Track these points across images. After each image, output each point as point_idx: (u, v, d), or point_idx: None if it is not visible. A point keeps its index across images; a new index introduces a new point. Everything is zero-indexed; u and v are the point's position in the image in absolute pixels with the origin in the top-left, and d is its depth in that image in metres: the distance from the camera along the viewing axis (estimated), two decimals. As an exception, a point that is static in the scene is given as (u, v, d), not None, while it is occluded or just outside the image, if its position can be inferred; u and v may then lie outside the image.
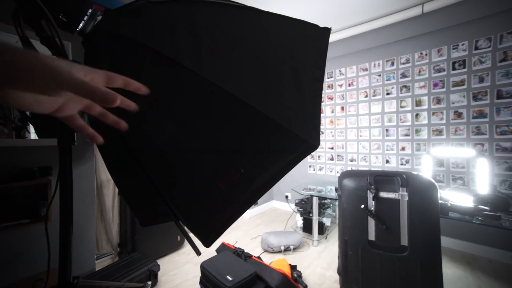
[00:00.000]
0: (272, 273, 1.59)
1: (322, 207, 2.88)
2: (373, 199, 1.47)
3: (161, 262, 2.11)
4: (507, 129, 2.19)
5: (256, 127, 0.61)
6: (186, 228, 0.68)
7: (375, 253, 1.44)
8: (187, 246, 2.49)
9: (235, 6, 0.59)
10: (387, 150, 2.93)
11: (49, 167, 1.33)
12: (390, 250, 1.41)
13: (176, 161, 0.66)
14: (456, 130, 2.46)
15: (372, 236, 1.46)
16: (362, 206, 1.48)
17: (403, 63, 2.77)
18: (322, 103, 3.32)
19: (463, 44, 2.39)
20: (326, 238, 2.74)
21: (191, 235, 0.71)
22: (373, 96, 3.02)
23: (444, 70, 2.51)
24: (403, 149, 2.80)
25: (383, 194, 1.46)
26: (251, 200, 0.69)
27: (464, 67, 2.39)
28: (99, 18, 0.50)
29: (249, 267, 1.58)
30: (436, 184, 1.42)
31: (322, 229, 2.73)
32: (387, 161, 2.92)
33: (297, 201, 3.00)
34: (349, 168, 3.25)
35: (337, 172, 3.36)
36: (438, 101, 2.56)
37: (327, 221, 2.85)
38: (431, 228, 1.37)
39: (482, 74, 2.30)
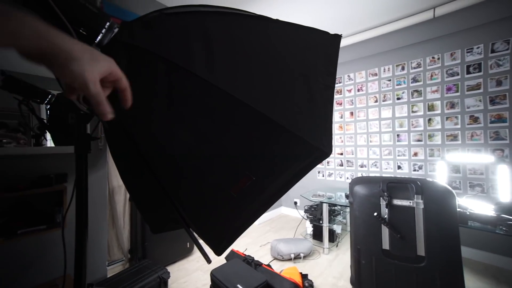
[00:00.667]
0: (283, 282, 1.56)
1: (332, 214, 2.82)
2: (386, 207, 1.42)
3: (171, 269, 2.11)
4: (529, 134, 2.09)
5: (267, 135, 0.61)
6: (196, 235, 0.68)
7: (390, 263, 1.39)
8: (196, 253, 2.48)
9: (246, 16, 0.60)
10: (398, 155, 2.85)
11: (65, 174, 1.37)
12: (406, 260, 1.35)
13: (188, 168, 0.66)
14: (472, 135, 2.37)
15: (386, 245, 1.41)
16: (375, 214, 1.43)
17: (414, 68, 2.72)
18: (331, 109, 3.30)
19: (478, 47, 2.33)
20: (337, 246, 2.67)
21: (201, 241, 0.70)
22: (383, 101, 2.97)
23: (458, 74, 2.45)
24: (415, 154, 2.72)
25: (397, 202, 1.41)
26: (262, 208, 0.68)
27: (480, 71, 2.32)
28: (116, 30, 0.52)
29: (260, 275, 1.55)
30: (453, 191, 1.36)
31: (332, 236, 2.66)
32: (399, 167, 2.84)
33: (306, 208, 2.95)
34: (359, 174, 3.18)
35: (347, 178, 3.29)
36: (452, 105, 2.48)
37: (337, 229, 2.78)
38: (450, 238, 1.30)
39: (500, 78, 2.22)
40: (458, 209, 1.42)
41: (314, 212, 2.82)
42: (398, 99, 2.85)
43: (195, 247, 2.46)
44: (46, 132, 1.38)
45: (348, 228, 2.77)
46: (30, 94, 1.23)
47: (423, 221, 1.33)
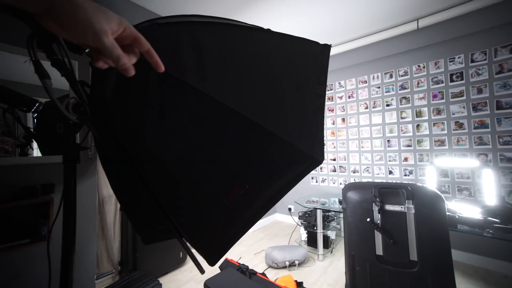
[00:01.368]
0: (277, 291, 1.53)
1: (326, 219, 2.82)
2: (379, 212, 1.44)
3: (163, 280, 2.05)
4: (511, 139, 2.18)
5: (260, 143, 0.61)
6: (189, 245, 0.66)
7: (384, 269, 1.39)
8: (189, 263, 2.42)
9: (239, 26, 0.61)
10: (389, 161, 2.91)
11: (51, 185, 1.32)
12: (399, 265, 1.36)
13: (180, 177, 0.65)
14: (458, 140, 2.45)
15: (380, 250, 1.42)
16: (368, 219, 1.44)
17: (402, 75, 2.82)
18: (323, 115, 3.36)
19: (459, 57, 2.44)
20: (331, 252, 2.66)
21: (194, 251, 0.69)
22: (373, 107, 3.04)
23: (442, 82, 2.55)
24: (405, 159, 2.79)
25: (389, 207, 1.43)
26: (256, 216, 0.68)
27: (462, 79, 2.43)
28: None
29: (255, 285, 1.52)
30: (442, 196, 1.39)
31: (327, 242, 2.66)
32: (390, 172, 2.90)
33: (300, 214, 2.94)
34: (352, 180, 3.22)
35: (340, 183, 3.32)
36: (439, 112, 2.57)
37: (332, 234, 2.78)
38: (440, 242, 1.32)
39: (480, 86, 2.33)
40: (447, 213, 1.45)
41: (308, 218, 2.81)
42: (387, 105, 2.93)
43: (187, 257, 2.40)
44: (32, 141, 1.34)
45: (342, 234, 2.78)
46: (16, 102, 1.20)
47: (414, 226, 1.35)
